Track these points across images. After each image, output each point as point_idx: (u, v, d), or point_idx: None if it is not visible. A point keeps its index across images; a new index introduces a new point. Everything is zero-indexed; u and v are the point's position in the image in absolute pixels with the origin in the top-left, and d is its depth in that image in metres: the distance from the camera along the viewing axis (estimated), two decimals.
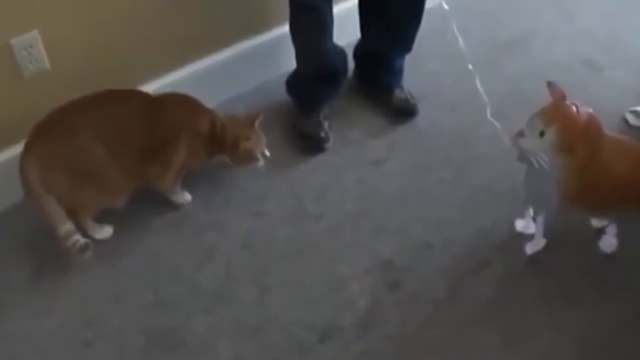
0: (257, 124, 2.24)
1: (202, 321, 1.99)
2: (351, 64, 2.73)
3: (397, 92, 2.64)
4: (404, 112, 2.62)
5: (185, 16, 2.44)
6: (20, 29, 2.09)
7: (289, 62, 2.56)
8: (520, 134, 1.89)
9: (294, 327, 1.97)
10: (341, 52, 2.61)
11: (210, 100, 2.29)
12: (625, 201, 2.00)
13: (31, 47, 2.12)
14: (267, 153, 2.28)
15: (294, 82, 2.62)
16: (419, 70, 2.77)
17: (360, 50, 2.72)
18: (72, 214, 2.04)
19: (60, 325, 1.99)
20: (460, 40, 2.54)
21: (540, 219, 2.08)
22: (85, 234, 2.07)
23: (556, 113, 1.86)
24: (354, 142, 2.49)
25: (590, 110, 1.89)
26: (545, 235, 2.10)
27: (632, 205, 2.02)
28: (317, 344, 1.93)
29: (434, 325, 1.98)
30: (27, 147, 2.02)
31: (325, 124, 2.54)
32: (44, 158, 2.00)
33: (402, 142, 2.54)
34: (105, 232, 2.20)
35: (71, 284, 2.09)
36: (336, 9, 2.43)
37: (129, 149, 2.09)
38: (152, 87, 2.39)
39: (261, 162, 2.28)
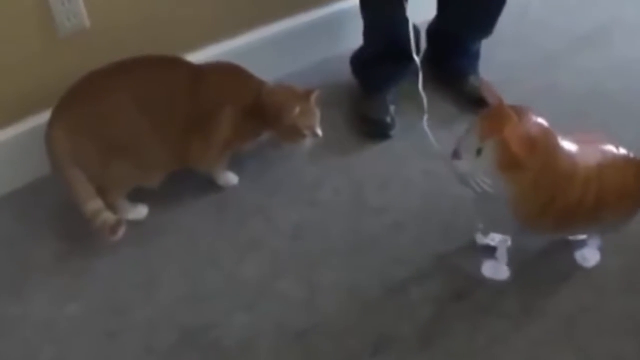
0: (313, 98, 2.06)
1: (242, 320, 1.83)
2: (424, 44, 2.56)
3: (472, 79, 2.48)
4: (478, 101, 2.40)
5: None
6: None
7: (356, 39, 2.41)
8: (456, 155, 1.63)
9: (345, 334, 1.80)
10: (414, 31, 2.39)
11: (266, 75, 2.13)
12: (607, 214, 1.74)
13: (70, 1, 1.99)
14: (320, 132, 2.09)
15: (360, 61, 2.48)
16: (493, 58, 2.60)
17: (435, 29, 2.56)
18: (103, 191, 1.91)
19: (84, 312, 1.85)
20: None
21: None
22: (116, 214, 1.92)
23: (492, 124, 1.58)
24: (421, 130, 2.30)
25: (536, 118, 1.63)
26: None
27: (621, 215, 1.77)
28: (369, 355, 1.76)
29: (504, 343, 1.77)
30: (54, 114, 1.89)
31: (392, 109, 2.38)
32: (72, 127, 1.86)
33: None
34: (139, 212, 2.06)
35: (99, 268, 1.95)
36: None
37: (169, 121, 1.94)
38: (202, 56, 2.24)
39: (308, 141, 2.09)
